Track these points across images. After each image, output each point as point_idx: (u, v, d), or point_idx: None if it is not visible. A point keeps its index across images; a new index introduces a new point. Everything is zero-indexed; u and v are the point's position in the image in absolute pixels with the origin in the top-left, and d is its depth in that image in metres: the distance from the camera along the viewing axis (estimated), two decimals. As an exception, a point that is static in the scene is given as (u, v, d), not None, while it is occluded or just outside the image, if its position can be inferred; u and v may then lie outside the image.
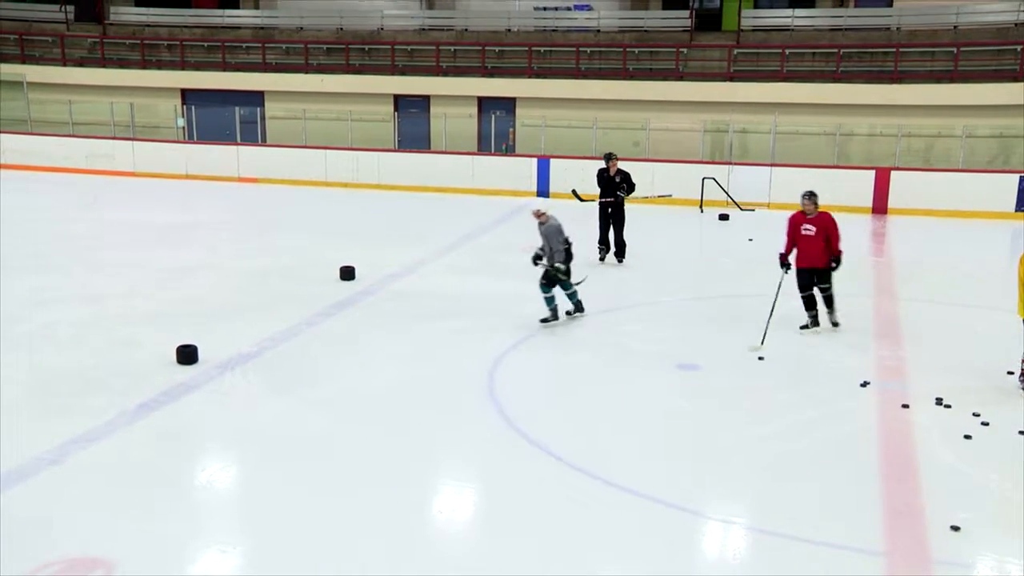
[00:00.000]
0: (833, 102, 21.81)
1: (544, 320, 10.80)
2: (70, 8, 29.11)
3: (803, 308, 10.58)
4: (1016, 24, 22.72)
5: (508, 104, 24.71)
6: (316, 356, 9.81)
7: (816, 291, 10.53)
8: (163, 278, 13.01)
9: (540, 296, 10.79)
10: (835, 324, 10.62)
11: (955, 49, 21.91)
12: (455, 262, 14.66)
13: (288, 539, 5.94)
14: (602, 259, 14.48)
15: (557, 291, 10.87)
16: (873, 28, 24.22)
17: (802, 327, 10.58)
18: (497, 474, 7.05)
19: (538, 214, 10.91)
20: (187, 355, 9.19)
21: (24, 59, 27.46)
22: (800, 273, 10.53)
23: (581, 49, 24.73)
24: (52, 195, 21.30)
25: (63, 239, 15.89)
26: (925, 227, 18.25)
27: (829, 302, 10.61)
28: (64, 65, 27.35)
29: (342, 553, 5.77)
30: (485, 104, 24.87)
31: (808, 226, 10.43)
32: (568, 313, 11.01)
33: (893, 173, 19.94)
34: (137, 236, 16.35)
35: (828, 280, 10.52)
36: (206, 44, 27.30)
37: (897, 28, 23.92)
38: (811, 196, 10.51)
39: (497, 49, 25.39)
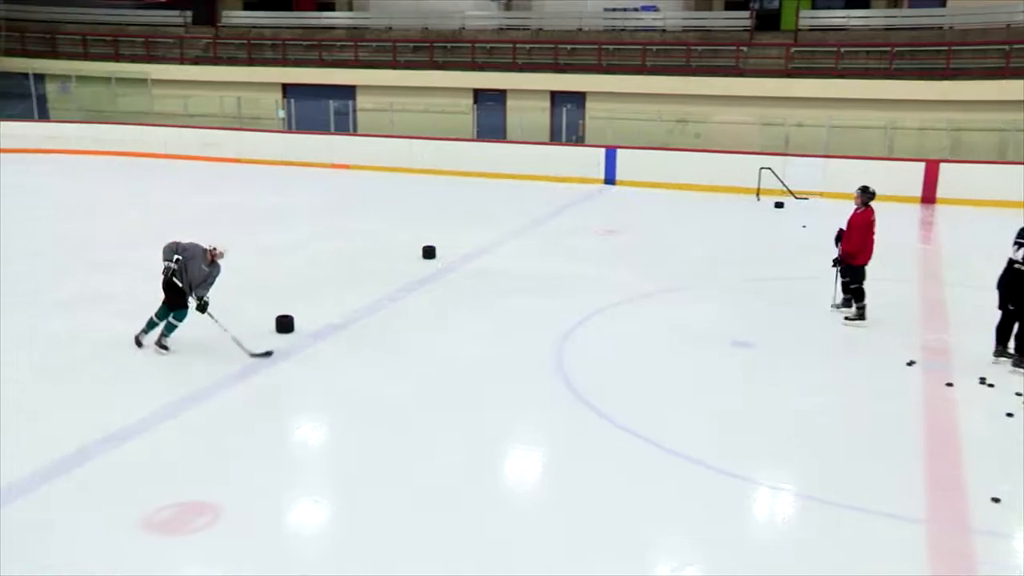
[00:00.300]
0: (885, 97, 21.15)
1: None
2: (188, 13, 29.73)
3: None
4: (1068, 22, 21.69)
5: (579, 98, 24.50)
6: (399, 328, 9.89)
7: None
8: (263, 254, 13.25)
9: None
10: (848, 318, 10.03)
11: (1007, 47, 21.02)
12: (527, 244, 14.62)
13: (370, 494, 6.04)
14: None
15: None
16: (926, 27, 23.36)
17: (846, 318, 10.13)
18: (564, 442, 7.05)
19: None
20: (284, 324, 9.36)
21: (148, 59, 28.18)
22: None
23: (647, 47, 24.37)
24: (169, 179, 21.84)
25: (179, 218, 16.29)
26: (972, 217, 17.61)
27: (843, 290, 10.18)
28: (182, 64, 27.94)
29: (419, 509, 5.84)
30: (557, 98, 24.70)
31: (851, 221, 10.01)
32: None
33: (942, 165, 19.28)
34: (242, 217, 16.67)
35: (846, 274, 10.06)
36: (305, 43, 27.61)
37: (950, 27, 23.04)
38: (863, 190, 9.98)
39: (569, 47, 25.16)
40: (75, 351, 8.83)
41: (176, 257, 8.60)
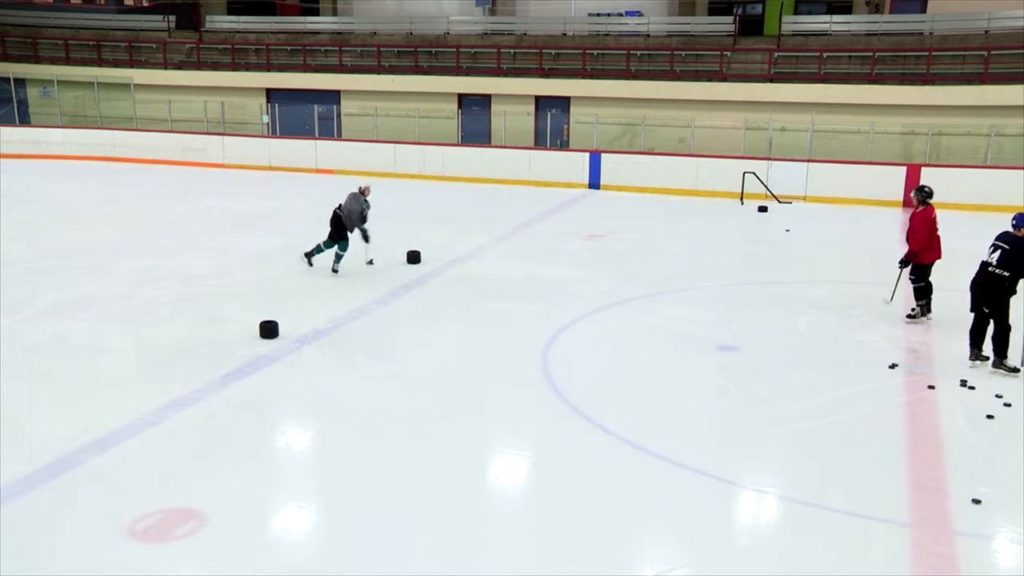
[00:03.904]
0: (867, 102, 21.32)
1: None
2: (171, 17, 29.61)
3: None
4: (1045, 28, 21.94)
5: (563, 103, 24.58)
6: (384, 333, 9.90)
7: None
8: (249, 260, 13.23)
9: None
10: (910, 315, 10.35)
11: (986, 52, 21.24)
12: (512, 248, 14.64)
13: (357, 498, 6.03)
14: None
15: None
16: (907, 33, 23.57)
17: (908, 316, 10.39)
18: (549, 445, 7.05)
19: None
20: (269, 330, 9.33)
21: (132, 64, 28.03)
22: None
23: (631, 52, 24.49)
24: (153, 185, 21.73)
25: (164, 224, 16.23)
26: (954, 220, 17.72)
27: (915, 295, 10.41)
28: (165, 68, 27.84)
29: (405, 513, 5.83)
30: (542, 102, 24.77)
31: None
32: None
33: (923, 169, 19.44)
34: (226, 222, 16.63)
35: (914, 273, 10.27)
36: (289, 48, 27.57)
37: (930, 33, 23.25)
38: (917, 190, 10.28)
39: (554, 52, 25.25)
40: (57, 358, 8.78)
41: (340, 204, 12.06)
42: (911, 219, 10.30)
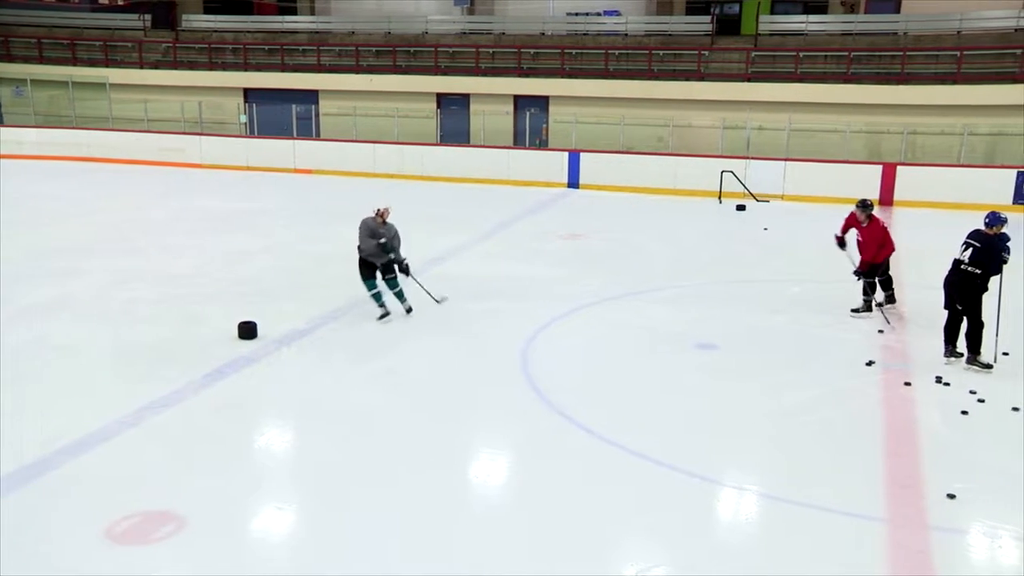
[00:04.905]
0: (843, 101, 21.49)
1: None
2: (147, 16, 29.33)
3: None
4: (1016, 29, 22.15)
5: (542, 102, 24.59)
6: (363, 333, 9.85)
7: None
8: (227, 260, 13.15)
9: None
10: (855, 309, 10.57)
11: (958, 52, 21.48)
12: (492, 248, 14.65)
13: (337, 499, 6.02)
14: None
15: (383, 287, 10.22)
16: (882, 33, 23.78)
17: (853, 310, 10.54)
18: (529, 445, 7.07)
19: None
20: (248, 331, 9.29)
21: (107, 63, 27.74)
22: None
23: (610, 51, 24.54)
24: (130, 185, 21.55)
25: (142, 225, 16.10)
26: (928, 219, 17.93)
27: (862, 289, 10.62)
28: (141, 68, 27.57)
29: (385, 514, 5.83)
30: (521, 102, 24.77)
31: (860, 236, 10.37)
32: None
33: (899, 168, 19.64)
34: (205, 222, 16.51)
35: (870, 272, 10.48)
36: (267, 47, 27.39)
37: (904, 33, 23.47)
38: (862, 206, 10.38)
39: (532, 51, 25.24)
40: (34, 359, 8.70)
41: (358, 246, 9.99)
42: (863, 235, 10.40)
